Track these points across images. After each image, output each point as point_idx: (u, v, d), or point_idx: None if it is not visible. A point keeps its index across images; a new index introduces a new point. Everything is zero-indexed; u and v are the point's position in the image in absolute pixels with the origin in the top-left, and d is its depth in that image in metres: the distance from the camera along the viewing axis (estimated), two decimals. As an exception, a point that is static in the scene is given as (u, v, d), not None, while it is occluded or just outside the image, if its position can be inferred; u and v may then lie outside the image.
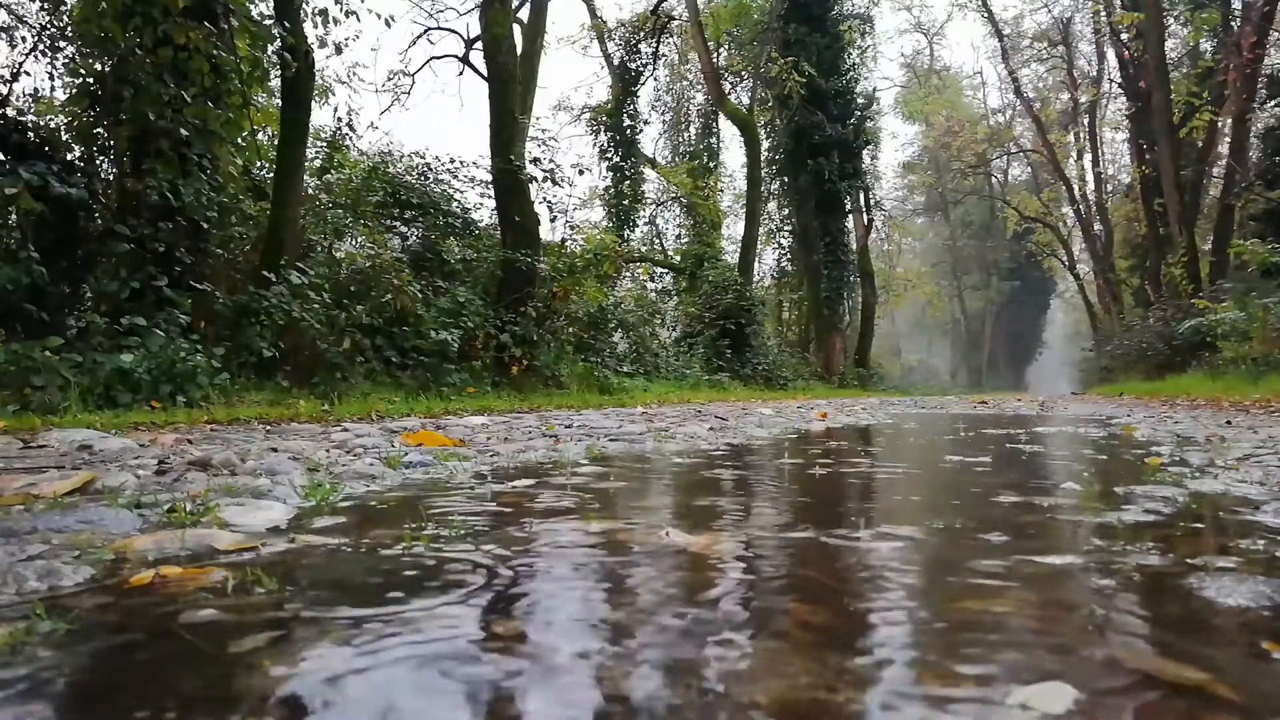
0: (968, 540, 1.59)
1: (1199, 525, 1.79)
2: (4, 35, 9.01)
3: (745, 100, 28.32)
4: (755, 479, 2.77)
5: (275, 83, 10.50)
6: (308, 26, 9.48)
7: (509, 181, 12.50)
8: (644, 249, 27.44)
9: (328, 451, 3.27)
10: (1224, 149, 23.64)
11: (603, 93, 33.65)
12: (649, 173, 28.37)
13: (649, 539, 1.60)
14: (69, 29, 8.61)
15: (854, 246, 29.13)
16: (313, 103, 10.17)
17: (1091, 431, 5.22)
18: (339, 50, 9.98)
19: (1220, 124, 22.39)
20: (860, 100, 28.37)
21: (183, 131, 7.62)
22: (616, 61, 27.47)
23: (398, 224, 13.25)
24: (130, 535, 1.55)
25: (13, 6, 9.31)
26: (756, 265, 28.29)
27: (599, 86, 49.58)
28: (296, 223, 9.65)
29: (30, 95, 8.82)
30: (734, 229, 30.77)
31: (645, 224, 28.83)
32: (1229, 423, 5.70)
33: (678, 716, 0.77)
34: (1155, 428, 5.34)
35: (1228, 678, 0.85)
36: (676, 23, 27.44)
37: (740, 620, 1.07)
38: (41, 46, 8.78)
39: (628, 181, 26.57)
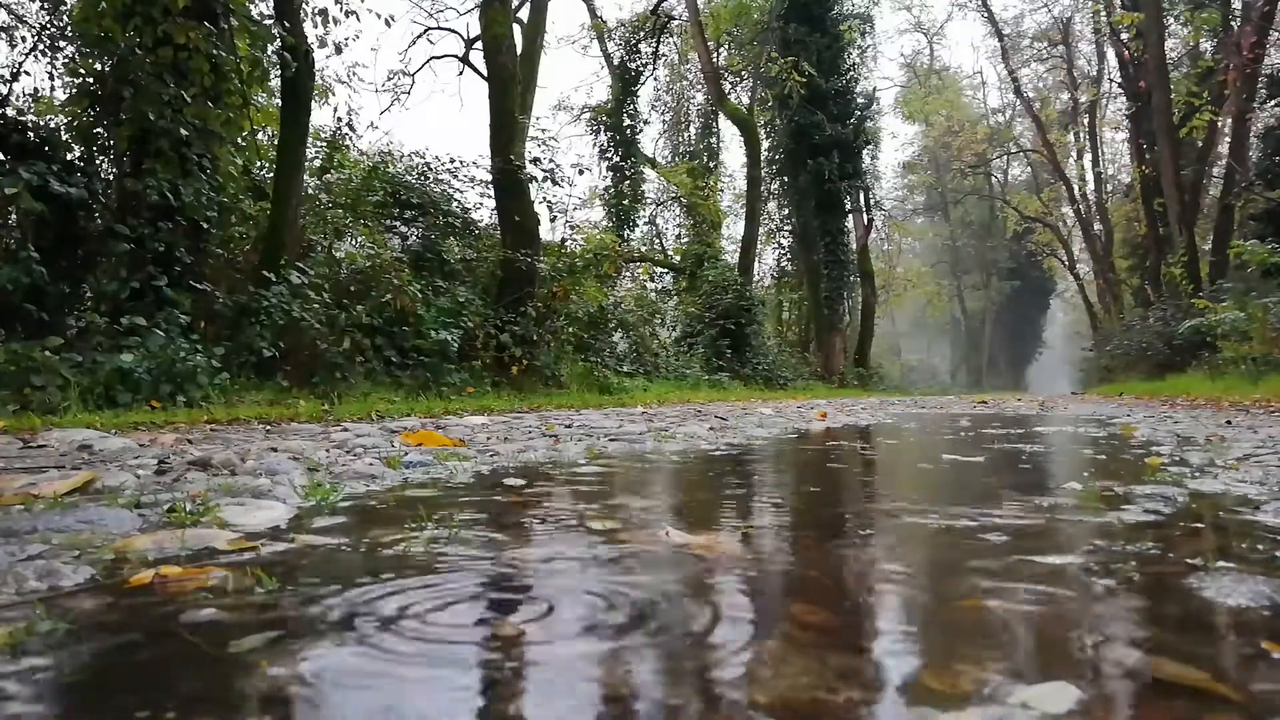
0: (967, 539, 1.59)
1: (1199, 525, 1.79)
2: (4, 35, 9.02)
3: (745, 100, 28.31)
4: (755, 478, 2.77)
5: (275, 83, 10.49)
6: (308, 26, 9.48)
7: (509, 181, 12.50)
8: (644, 249, 27.42)
9: (328, 451, 3.27)
10: (1224, 149, 23.64)
11: (603, 93, 33.66)
12: (649, 173, 28.33)
13: (649, 538, 1.60)
14: (69, 29, 8.61)
15: (854, 246, 29.11)
16: (313, 103, 10.17)
17: (1091, 431, 5.22)
18: (339, 50, 9.99)
19: (1220, 124, 22.38)
20: (860, 100, 28.35)
21: (183, 131, 7.62)
22: (616, 61, 27.45)
23: (398, 224, 13.24)
24: (130, 535, 1.55)
25: (13, 6, 9.31)
26: (756, 265, 28.27)
27: (599, 86, 49.61)
28: (296, 223, 9.65)
29: (30, 95, 8.83)
30: (734, 229, 30.75)
31: (645, 224, 28.83)
32: (1229, 422, 5.69)
33: (678, 715, 0.77)
34: (1155, 428, 5.34)
35: (1228, 678, 0.85)
36: (676, 23, 27.41)
37: (739, 619, 1.07)
38: (41, 46, 8.78)
39: (628, 181, 26.55)
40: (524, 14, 16.41)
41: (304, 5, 9.47)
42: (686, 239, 27.63)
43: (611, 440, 4.24)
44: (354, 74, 19.80)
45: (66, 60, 8.78)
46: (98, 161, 8.08)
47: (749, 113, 26.64)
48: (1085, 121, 35.86)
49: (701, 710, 0.78)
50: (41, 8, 9.00)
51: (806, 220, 27.15)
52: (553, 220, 18.10)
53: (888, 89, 45.13)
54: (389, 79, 21.62)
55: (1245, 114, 20.54)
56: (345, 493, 2.21)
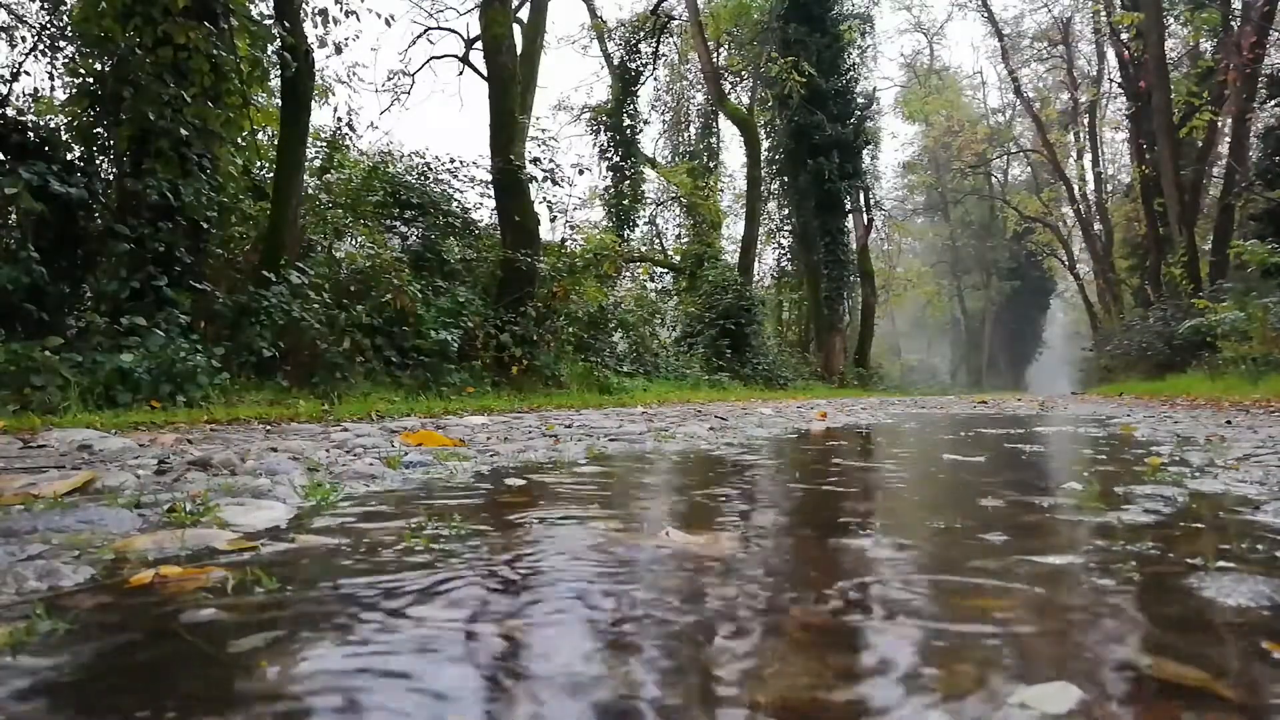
0: (967, 540, 1.59)
1: (1199, 525, 1.79)
2: (4, 35, 9.02)
3: (745, 100, 28.31)
4: (755, 478, 2.77)
5: (275, 83, 10.50)
6: (308, 26, 9.48)
7: (509, 181, 12.50)
8: (644, 249, 27.42)
9: (328, 451, 3.27)
10: (1224, 149, 23.64)
11: (603, 93, 33.68)
12: (649, 173, 28.33)
13: (649, 538, 1.60)
14: (69, 29, 8.61)
15: (854, 246, 29.11)
16: (313, 103, 10.17)
17: (1091, 431, 5.22)
18: (339, 50, 9.99)
19: (1220, 124, 22.37)
20: (860, 100, 28.35)
21: (183, 131, 7.62)
22: (616, 61, 27.45)
23: (398, 224, 13.24)
24: (130, 535, 1.55)
25: (13, 6, 9.31)
26: (756, 265, 28.27)
27: (599, 86, 49.62)
28: (296, 223, 9.65)
29: (30, 95, 8.83)
30: (734, 229, 30.75)
31: (645, 224, 28.83)
32: (1229, 422, 5.69)
33: (678, 716, 0.77)
34: (1155, 428, 5.34)
35: (1228, 678, 0.85)
36: (676, 23, 27.42)
37: (739, 619, 1.07)
38: (41, 46, 8.78)
39: (628, 181, 26.55)
40: (524, 14, 16.42)
41: (304, 5, 9.46)
42: (686, 239, 27.63)
43: (611, 440, 4.24)
44: (354, 74, 19.81)
45: (66, 60, 8.78)
46: (98, 161, 8.08)
47: (749, 113, 26.64)
48: (1085, 121, 35.86)
49: (702, 709, 0.78)
50: (41, 8, 9.01)
51: (806, 220, 27.15)
52: (553, 220, 18.11)
53: (888, 89, 45.20)
54: (389, 79, 21.65)
55: (1245, 114, 20.54)
56: (345, 493, 2.21)
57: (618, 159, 26.52)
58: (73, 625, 1.01)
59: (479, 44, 16.46)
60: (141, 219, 7.38)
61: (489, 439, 4.19)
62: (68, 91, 8.40)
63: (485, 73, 13.85)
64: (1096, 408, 10.44)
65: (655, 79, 29.97)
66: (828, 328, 27.34)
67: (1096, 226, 35.35)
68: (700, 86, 29.32)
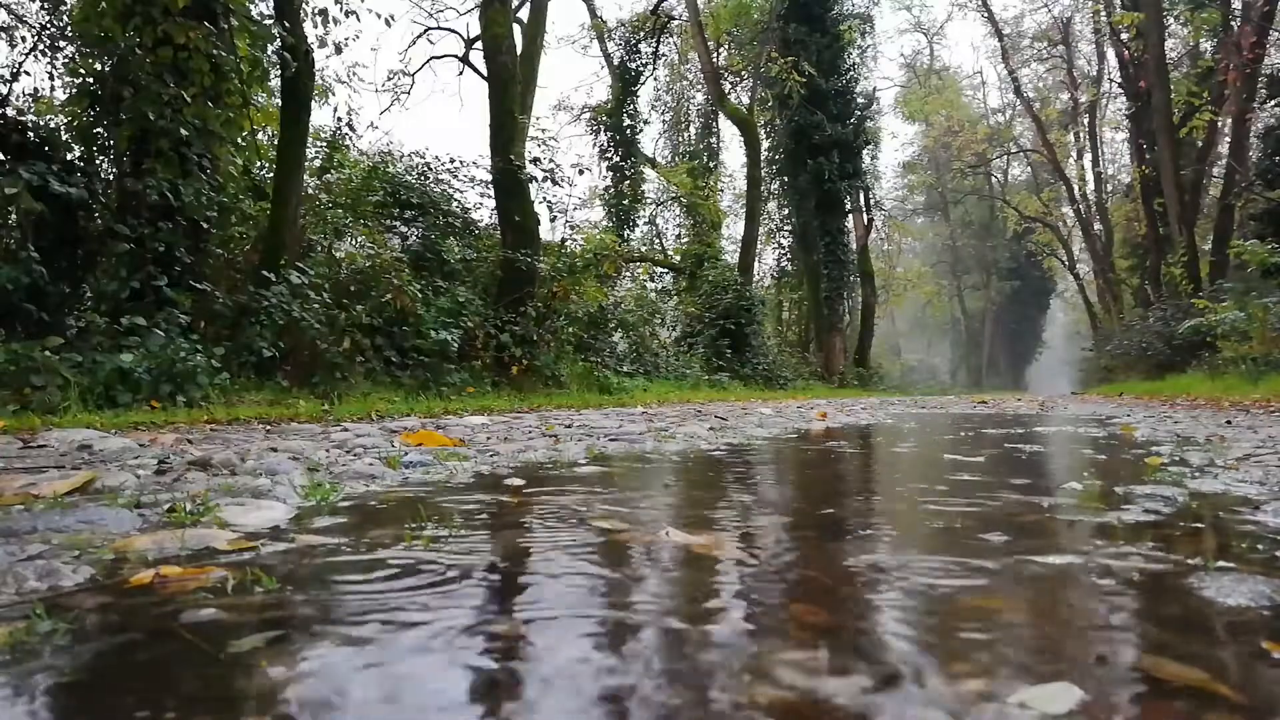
0: (967, 539, 1.59)
1: (1199, 525, 1.79)
2: (4, 35, 9.02)
3: (745, 100, 28.30)
4: (755, 479, 2.77)
5: (275, 83, 10.50)
6: (308, 26, 9.48)
7: (509, 181, 12.50)
8: (644, 249, 27.41)
9: (327, 451, 3.27)
10: (1224, 149, 23.64)
11: (603, 93, 33.69)
12: (649, 173, 28.33)
13: (649, 538, 1.60)
14: (69, 29, 8.62)
15: (854, 246, 29.13)
16: (313, 102, 10.17)
17: (1091, 431, 5.21)
18: (339, 50, 10.00)
19: (1220, 124, 22.38)
20: (860, 100, 28.37)
21: (183, 131, 7.62)
22: (616, 61, 27.45)
23: (398, 224, 13.24)
24: (130, 535, 1.55)
25: (13, 6, 9.31)
26: (756, 265, 28.28)
27: (599, 86, 49.60)
28: (296, 223, 9.65)
29: (30, 95, 8.83)
30: (734, 229, 30.76)
31: (645, 224, 28.83)
32: (1229, 422, 5.69)
33: (677, 716, 0.77)
34: (1155, 428, 5.34)
35: (1228, 678, 0.85)
36: (676, 23, 27.43)
37: (739, 619, 1.07)
38: (41, 46, 8.78)
39: (628, 181, 26.55)
40: (524, 14, 16.43)
41: (304, 5, 9.47)
42: (686, 239, 27.62)
43: (611, 440, 4.24)
44: (354, 74, 19.86)
45: (66, 60, 8.78)
46: (98, 161, 8.08)
47: (749, 113, 26.62)
48: (1085, 121, 35.86)
49: (701, 709, 0.78)
50: (41, 8, 9.01)
51: (806, 220, 27.16)
52: (553, 220, 18.14)
53: (888, 89, 45.27)
54: (389, 79, 21.68)
55: (1245, 114, 20.54)
56: (345, 492, 2.21)
57: (618, 159, 26.52)
58: (73, 625, 1.01)
59: (479, 44, 16.48)
60: (141, 219, 7.38)
61: (489, 439, 4.19)
62: (68, 91, 8.41)
63: (485, 73, 13.85)
64: (1096, 408, 10.43)
65: (655, 79, 30.01)
66: (828, 328, 27.35)
67: (1096, 226, 35.35)
68: (700, 86, 29.33)
